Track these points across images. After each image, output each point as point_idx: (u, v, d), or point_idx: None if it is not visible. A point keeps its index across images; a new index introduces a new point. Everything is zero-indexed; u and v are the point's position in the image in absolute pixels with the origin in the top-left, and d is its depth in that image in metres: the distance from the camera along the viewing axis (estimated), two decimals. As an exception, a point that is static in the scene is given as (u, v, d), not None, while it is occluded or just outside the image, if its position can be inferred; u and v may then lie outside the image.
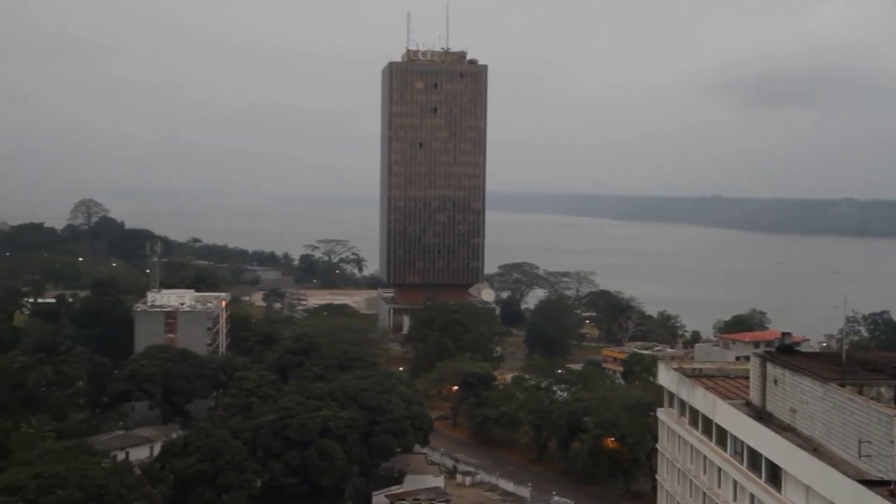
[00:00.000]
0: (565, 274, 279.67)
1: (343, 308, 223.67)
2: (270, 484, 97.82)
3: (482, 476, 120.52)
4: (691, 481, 63.82)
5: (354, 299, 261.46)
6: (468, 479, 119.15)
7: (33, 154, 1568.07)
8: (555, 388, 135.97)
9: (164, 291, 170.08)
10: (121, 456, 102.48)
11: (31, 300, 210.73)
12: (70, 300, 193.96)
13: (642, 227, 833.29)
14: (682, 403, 65.61)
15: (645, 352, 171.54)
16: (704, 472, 61.43)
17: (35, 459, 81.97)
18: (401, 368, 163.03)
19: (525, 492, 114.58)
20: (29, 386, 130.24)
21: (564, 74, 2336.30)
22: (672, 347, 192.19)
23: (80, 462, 78.85)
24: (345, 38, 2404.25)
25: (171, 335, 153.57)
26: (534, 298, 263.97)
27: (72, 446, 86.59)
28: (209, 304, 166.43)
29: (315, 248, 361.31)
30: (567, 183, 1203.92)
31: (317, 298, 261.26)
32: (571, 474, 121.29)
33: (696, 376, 65.65)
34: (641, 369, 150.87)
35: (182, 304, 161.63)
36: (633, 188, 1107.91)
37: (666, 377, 69.15)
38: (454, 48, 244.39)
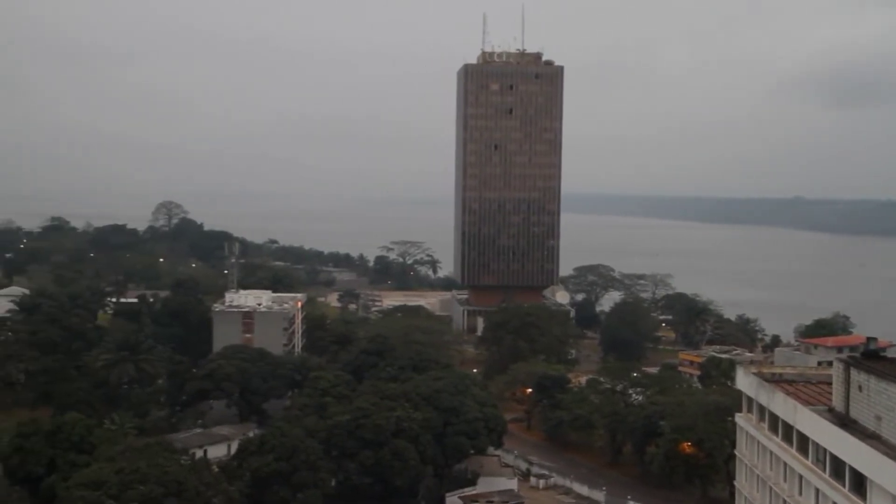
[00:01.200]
0: (641, 276, 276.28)
1: (417, 309, 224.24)
2: (345, 483, 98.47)
3: (556, 479, 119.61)
4: (771, 488, 62.31)
5: (429, 301, 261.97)
6: (542, 482, 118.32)
7: (117, 157, 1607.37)
8: (630, 391, 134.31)
9: (242, 292, 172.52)
10: (199, 454, 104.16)
11: (114, 300, 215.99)
12: (151, 300, 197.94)
13: (721, 229, 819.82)
14: (762, 409, 64.07)
15: (723, 355, 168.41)
16: (785, 480, 59.90)
17: (118, 455, 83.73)
18: (474, 370, 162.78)
19: (599, 496, 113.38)
20: (112, 384, 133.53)
21: (640, 74, 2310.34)
22: (751, 351, 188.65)
23: (161, 459, 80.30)
24: (420, 41, 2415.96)
25: (248, 335, 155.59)
26: (609, 301, 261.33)
27: (152, 443, 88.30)
28: (285, 305, 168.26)
29: (390, 249, 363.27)
30: (644, 184, 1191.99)
31: (391, 300, 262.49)
32: (647, 479, 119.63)
33: (777, 381, 64.09)
34: (719, 373, 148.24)
35: (259, 305, 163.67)
36: (712, 189, 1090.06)
37: (744, 381, 67.63)
38: (530, 49, 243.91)
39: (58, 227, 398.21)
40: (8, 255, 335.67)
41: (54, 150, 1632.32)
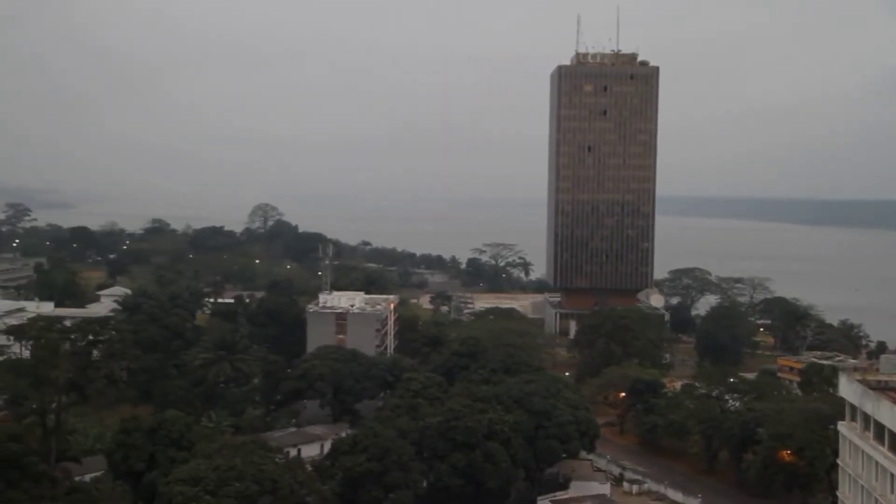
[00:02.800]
0: (738, 280, 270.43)
1: (509, 312, 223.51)
2: (436, 485, 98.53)
3: (650, 485, 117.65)
4: (877, 500, 60.06)
5: (521, 303, 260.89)
6: (635, 488, 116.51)
7: (214, 160, 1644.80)
8: (726, 397, 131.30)
9: (336, 293, 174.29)
10: (293, 452, 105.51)
11: (212, 300, 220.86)
12: (247, 300, 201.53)
13: (821, 231, 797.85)
14: (867, 417, 61.88)
15: (824, 362, 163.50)
16: (892, 491, 57.68)
17: (215, 453, 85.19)
18: (567, 373, 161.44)
19: (695, 503, 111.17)
20: (209, 382, 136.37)
21: (738, 74, 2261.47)
22: (854, 358, 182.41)
23: (256, 457, 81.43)
24: (513, 43, 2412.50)
25: (341, 336, 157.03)
26: (705, 305, 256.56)
27: (248, 441, 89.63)
28: (378, 306, 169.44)
29: (482, 251, 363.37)
30: (741, 186, 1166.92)
31: (483, 302, 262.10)
32: (744, 487, 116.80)
33: (882, 389, 61.89)
34: (820, 380, 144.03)
35: (352, 306, 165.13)
36: (811, 191, 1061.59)
37: (848, 389, 65.51)
38: (625, 49, 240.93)
39: (158, 229, 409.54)
40: (111, 257, 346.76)
41: (156, 153, 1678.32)
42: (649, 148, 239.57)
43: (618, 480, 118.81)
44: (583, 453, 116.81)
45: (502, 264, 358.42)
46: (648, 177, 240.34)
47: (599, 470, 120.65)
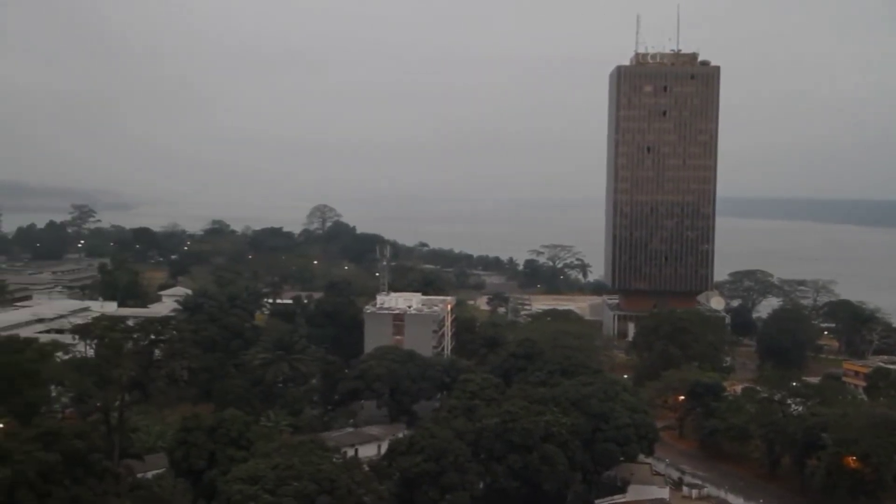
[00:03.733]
0: (801, 282, 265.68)
1: (567, 313, 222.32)
2: (492, 486, 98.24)
3: (710, 490, 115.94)
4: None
5: (578, 305, 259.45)
6: (695, 492, 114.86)
7: (274, 162, 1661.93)
8: (789, 401, 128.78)
9: (393, 294, 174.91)
10: (350, 452, 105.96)
11: (271, 300, 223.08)
12: (305, 301, 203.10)
13: (881, 232, 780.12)
14: (936, 423, 60.20)
15: (891, 366, 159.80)
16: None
17: (273, 452, 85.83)
18: (625, 376, 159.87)
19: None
20: (268, 382, 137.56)
21: (801, 72, 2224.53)
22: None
23: (314, 456, 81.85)
24: (572, 44, 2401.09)
25: (398, 337, 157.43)
26: (766, 307, 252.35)
27: (306, 441, 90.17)
28: (435, 308, 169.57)
29: (539, 253, 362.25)
30: (804, 187, 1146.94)
31: (540, 303, 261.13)
32: (807, 493, 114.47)
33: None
34: (887, 385, 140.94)
35: (409, 307, 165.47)
36: (876, 192, 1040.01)
37: (917, 394, 63.78)
38: (685, 49, 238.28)
39: (218, 231, 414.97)
40: (173, 257, 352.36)
41: (215, 155, 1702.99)
42: (710, 148, 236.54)
43: (677, 485, 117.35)
44: (641, 457, 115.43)
45: (560, 266, 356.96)
46: (709, 177, 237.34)
47: (658, 474, 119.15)
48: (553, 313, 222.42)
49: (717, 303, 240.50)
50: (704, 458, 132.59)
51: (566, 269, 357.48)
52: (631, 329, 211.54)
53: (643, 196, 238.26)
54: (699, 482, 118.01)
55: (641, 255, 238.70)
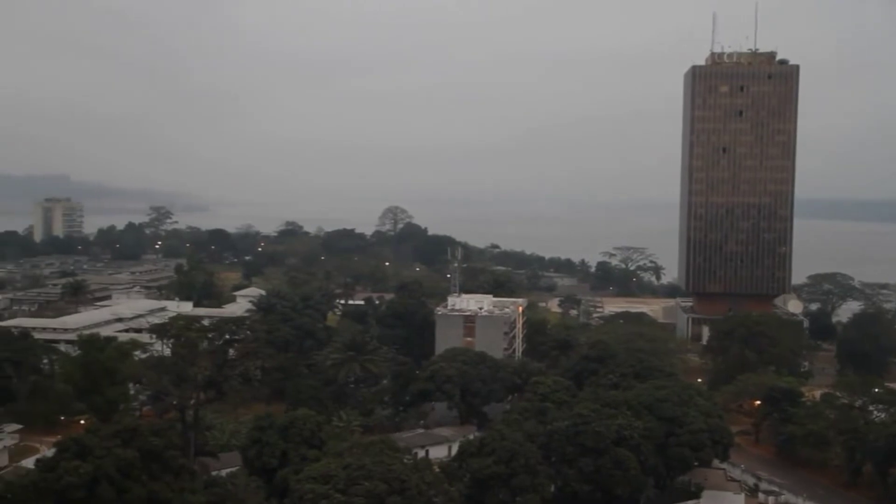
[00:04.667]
0: (884, 286, 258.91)
1: (640, 316, 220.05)
2: (564, 489, 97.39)
3: (787, 497, 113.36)
4: None
5: (651, 308, 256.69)
6: (771, 499, 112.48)
7: (347, 165, 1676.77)
8: (871, 407, 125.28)
9: (464, 296, 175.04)
10: (421, 453, 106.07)
11: (343, 301, 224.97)
12: (377, 302, 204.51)
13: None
14: None
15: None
16: None
17: (344, 451, 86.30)
18: (699, 380, 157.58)
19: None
20: (339, 382, 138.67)
21: (877, 72, 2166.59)
22: None
23: (385, 456, 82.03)
24: (647, 42, 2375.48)
25: (469, 338, 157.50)
26: (847, 311, 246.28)
27: (377, 441, 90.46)
28: (506, 309, 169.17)
29: (612, 255, 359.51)
30: (881, 188, 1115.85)
31: (613, 306, 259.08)
32: (889, 502, 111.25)
33: None
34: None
35: (480, 309, 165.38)
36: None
37: None
38: (763, 48, 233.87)
39: (292, 232, 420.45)
40: (247, 258, 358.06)
41: (289, 159, 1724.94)
42: (788, 149, 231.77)
43: (752, 491, 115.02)
44: (716, 462, 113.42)
45: (632, 268, 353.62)
46: (786, 179, 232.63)
47: (733, 480, 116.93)
48: (625, 316, 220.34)
49: (794, 306, 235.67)
50: (781, 465, 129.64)
51: (639, 272, 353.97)
52: (705, 332, 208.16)
53: (718, 197, 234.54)
54: (776, 489, 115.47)
55: (716, 257, 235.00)
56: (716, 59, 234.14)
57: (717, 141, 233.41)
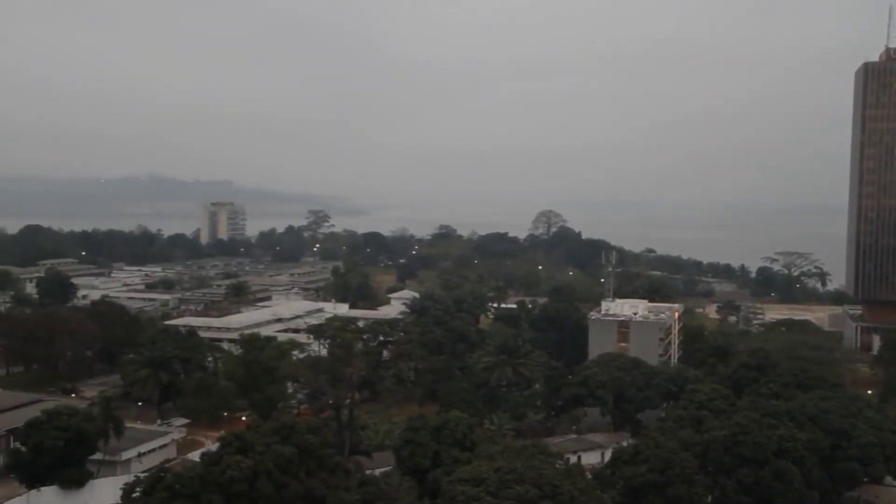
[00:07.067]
0: None
1: (803, 324, 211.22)
2: (721, 501, 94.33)
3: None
4: None
5: (816, 315, 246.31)
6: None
7: (497, 168, 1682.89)
8: None
9: (618, 301, 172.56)
10: (573, 459, 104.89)
11: (495, 305, 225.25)
12: (530, 306, 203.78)
13: None
14: None
15: None
16: None
17: (496, 455, 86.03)
18: (869, 392, 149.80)
19: None
20: (491, 385, 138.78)
21: None
22: None
23: (537, 461, 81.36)
24: (812, 39, 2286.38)
25: (623, 344, 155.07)
26: None
27: (528, 445, 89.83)
28: (662, 315, 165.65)
29: (774, 260, 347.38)
30: None
31: (774, 313, 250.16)
32: None
33: None
34: None
35: (635, 314, 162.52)
36: None
37: None
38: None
39: (445, 235, 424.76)
40: (401, 261, 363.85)
41: (440, 161, 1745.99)
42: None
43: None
44: (888, 479, 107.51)
45: (796, 274, 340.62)
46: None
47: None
48: (788, 323, 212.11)
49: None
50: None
51: (803, 278, 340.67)
52: (876, 342, 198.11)
53: (892, 201, 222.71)
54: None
55: (889, 263, 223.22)
56: (891, 54, 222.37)
57: (892, 142, 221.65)
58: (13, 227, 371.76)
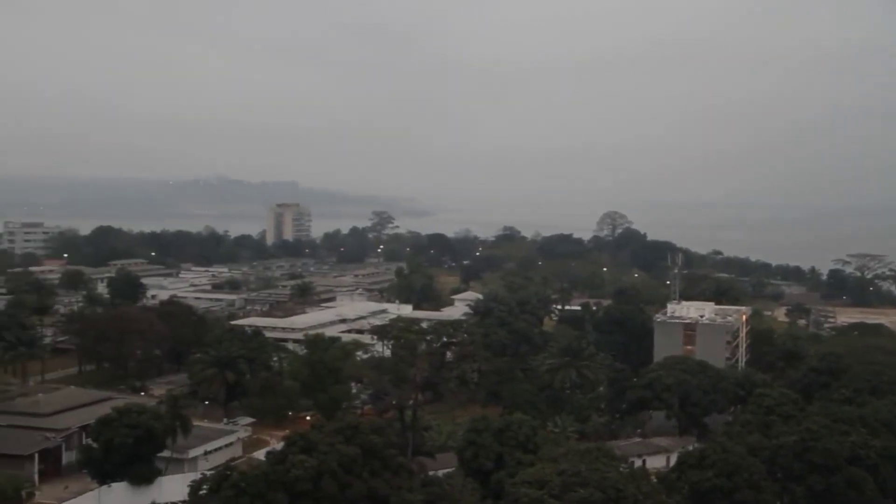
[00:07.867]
0: None
1: (877, 328, 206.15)
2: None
3: None
4: None
5: (891, 319, 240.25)
6: None
7: (565, 170, 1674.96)
8: None
9: (684, 303, 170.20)
10: (638, 462, 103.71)
11: (559, 307, 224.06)
12: (594, 308, 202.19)
13: None
14: None
15: None
16: None
17: (560, 457, 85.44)
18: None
19: None
20: (555, 387, 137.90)
21: None
22: None
23: (600, 464, 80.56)
24: (877, 33, 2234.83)
25: (689, 346, 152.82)
26: None
27: (592, 448, 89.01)
28: (729, 318, 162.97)
29: (846, 262, 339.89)
30: None
31: (846, 316, 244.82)
32: None
33: None
34: None
35: (701, 317, 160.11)
36: None
37: None
38: None
39: (509, 236, 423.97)
40: (465, 262, 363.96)
41: (505, 162, 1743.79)
42: None
43: None
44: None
45: (869, 277, 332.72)
46: None
47: None
48: (861, 327, 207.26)
49: None
50: None
51: (877, 281, 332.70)
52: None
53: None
54: None
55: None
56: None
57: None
58: (86, 228, 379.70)
